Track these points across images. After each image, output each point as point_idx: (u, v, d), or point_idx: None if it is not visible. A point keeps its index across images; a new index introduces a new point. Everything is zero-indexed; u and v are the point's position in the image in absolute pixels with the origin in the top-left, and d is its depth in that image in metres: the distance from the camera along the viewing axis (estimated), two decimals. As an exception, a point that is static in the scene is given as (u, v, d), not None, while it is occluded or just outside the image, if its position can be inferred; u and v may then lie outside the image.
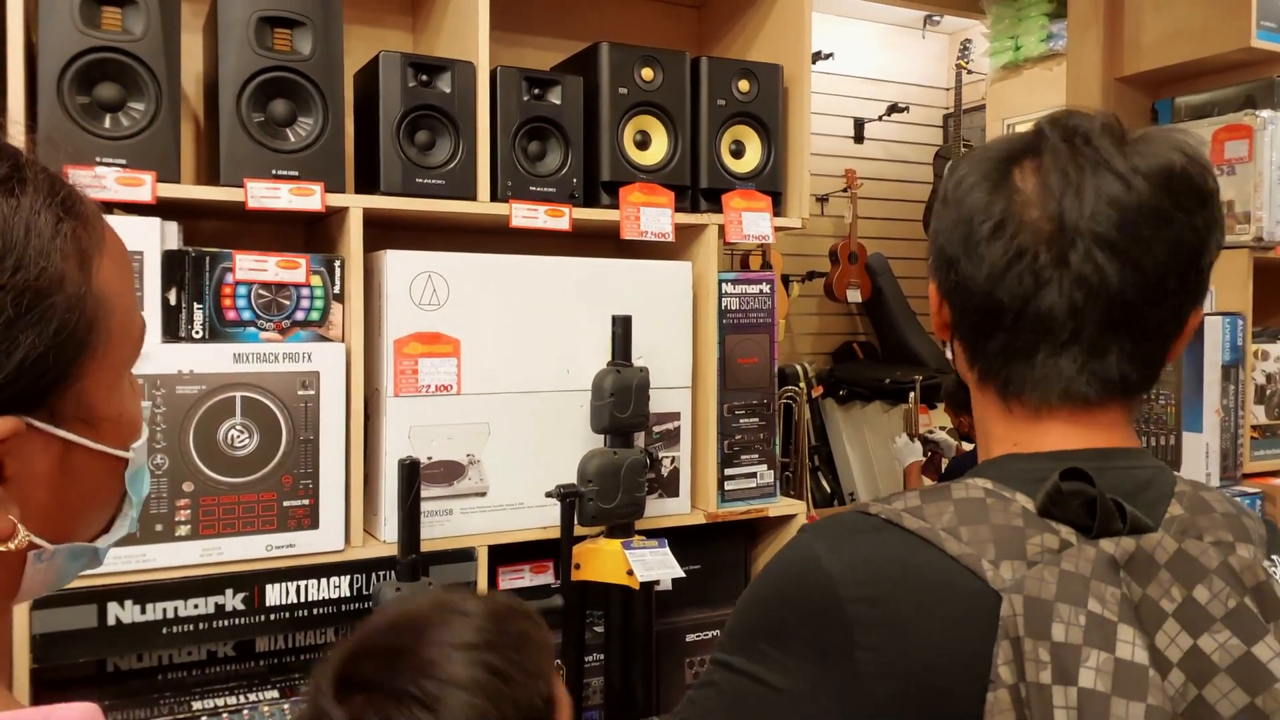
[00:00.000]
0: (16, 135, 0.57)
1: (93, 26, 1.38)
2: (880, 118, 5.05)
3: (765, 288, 1.84)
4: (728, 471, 1.80)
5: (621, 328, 1.61)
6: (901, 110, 5.04)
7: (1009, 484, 0.70)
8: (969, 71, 4.87)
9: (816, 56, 4.68)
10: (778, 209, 1.86)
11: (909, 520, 0.69)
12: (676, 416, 1.75)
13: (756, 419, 1.83)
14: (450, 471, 1.58)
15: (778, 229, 1.84)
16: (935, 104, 5.32)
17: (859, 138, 5.06)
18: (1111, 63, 2.54)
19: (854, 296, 4.71)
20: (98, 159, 1.37)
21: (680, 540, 1.69)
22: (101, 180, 1.36)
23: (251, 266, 1.47)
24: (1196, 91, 2.44)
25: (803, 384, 4.18)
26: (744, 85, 1.82)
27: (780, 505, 1.86)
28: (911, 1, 4.41)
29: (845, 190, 4.77)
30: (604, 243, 1.89)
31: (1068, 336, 0.71)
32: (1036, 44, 4.23)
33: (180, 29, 1.43)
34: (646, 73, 1.74)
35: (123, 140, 1.39)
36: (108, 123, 1.40)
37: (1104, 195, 0.69)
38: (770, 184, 1.85)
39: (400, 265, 1.54)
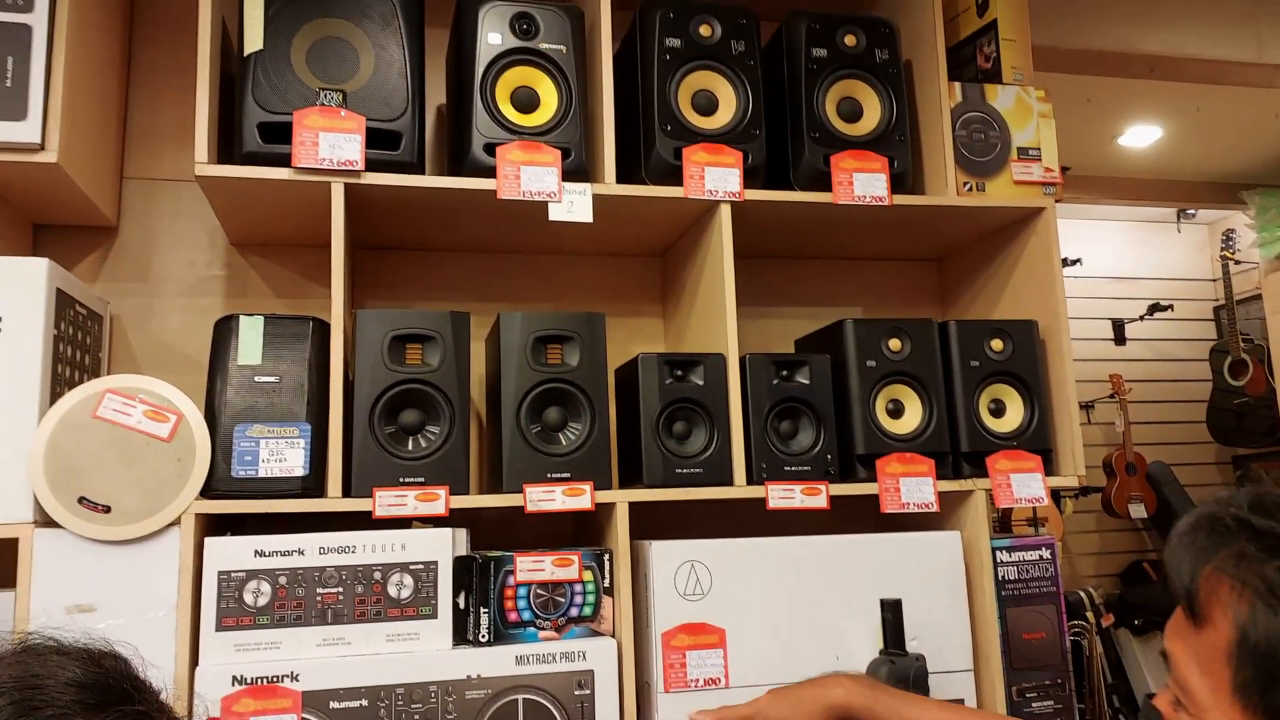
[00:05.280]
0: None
1: (398, 363, 1.58)
2: (1142, 317, 4.77)
3: (1045, 553, 1.72)
4: (1025, 766, 1.63)
5: (892, 613, 1.54)
6: (1165, 308, 4.73)
7: None
8: (1236, 262, 4.54)
9: (1064, 263, 4.55)
10: (1049, 467, 1.76)
11: None
12: (960, 704, 1.62)
13: (1051, 702, 1.66)
14: (723, 770, 1.53)
15: (1052, 489, 1.74)
16: (1201, 296, 4.97)
17: (1120, 339, 4.78)
18: None
19: (1138, 511, 4.29)
20: (400, 479, 1.54)
21: None
22: (403, 499, 1.52)
23: (530, 568, 1.55)
24: None
25: (1090, 613, 3.80)
26: (997, 344, 1.79)
27: (1091, 804, 1.64)
28: (1163, 200, 4.25)
29: (1112, 396, 4.47)
30: (864, 514, 1.85)
31: None
32: (1314, 230, 3.89)
33: (470, 356, 1.62)
34: (894, 344, 1.75)
35: (421, 460, 1.55)
36: (409, 445, 1.57)
37: None
38: (1038, 442, 1.76)
39: (664, 556, 1.58)
